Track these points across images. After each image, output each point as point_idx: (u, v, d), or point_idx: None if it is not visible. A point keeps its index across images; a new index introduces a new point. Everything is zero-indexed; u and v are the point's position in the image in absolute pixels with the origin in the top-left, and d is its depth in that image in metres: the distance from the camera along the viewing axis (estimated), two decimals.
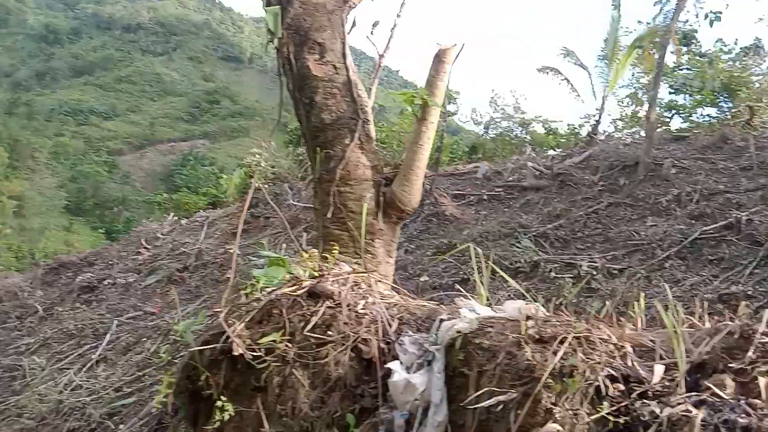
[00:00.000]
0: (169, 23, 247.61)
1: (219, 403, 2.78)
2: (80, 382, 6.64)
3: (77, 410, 5.95)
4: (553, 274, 7.86)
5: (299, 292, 2.98)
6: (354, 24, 3.97)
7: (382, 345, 2.78)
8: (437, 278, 8.31)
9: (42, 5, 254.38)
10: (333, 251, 3.34)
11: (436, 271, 8.59)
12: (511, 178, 11.93)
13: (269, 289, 3.05)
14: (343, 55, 3.80)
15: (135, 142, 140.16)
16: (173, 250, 11.31)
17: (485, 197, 11.36)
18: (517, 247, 8.99)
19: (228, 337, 2.82)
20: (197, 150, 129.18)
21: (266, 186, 19.10)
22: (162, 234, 12.90)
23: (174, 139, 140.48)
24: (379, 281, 3.36)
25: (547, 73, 18.90)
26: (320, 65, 3.73)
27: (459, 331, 2.51)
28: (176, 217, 15.06)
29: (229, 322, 2.93)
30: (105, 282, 10.22)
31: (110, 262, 11.49)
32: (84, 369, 7.04)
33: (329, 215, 3.70)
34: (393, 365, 2.59)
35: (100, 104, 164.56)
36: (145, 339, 7.46)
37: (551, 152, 15.93)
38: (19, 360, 7.77)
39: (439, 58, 3.72)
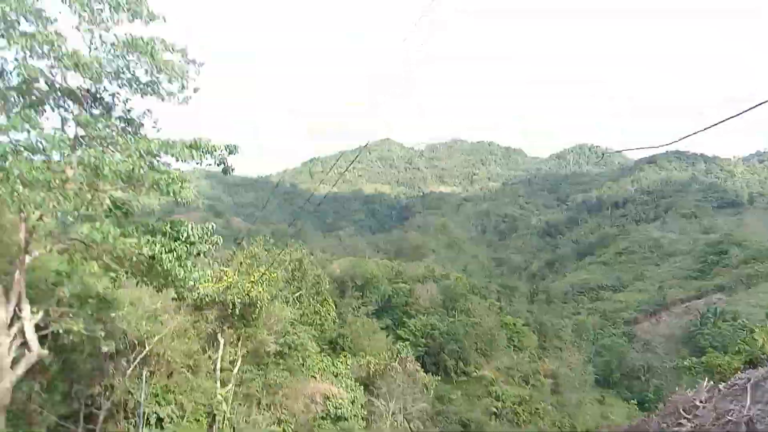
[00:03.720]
0: (655, 189, 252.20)
1: None
2: None
3: None
4: None
5: None
6: None
7: None
8: None
9: (540, 206, 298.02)
10: None
11: None
12: None
13: None
14: None
15: (648, 308, 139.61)
16: (717, 419, 10.68)
17: None
18: None
19: None
20: (714, 305, 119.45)
21: None
22: (700, 401, 12.35)
23: (687, 299, 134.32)
24: None
25: None
26: None
27: None
28: (712, 382, 14.18)
29: None
30: None
31: None
32: None
33: None
34: None
35: (606, 279, 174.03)
36: None
37: None
38: None
39: None
